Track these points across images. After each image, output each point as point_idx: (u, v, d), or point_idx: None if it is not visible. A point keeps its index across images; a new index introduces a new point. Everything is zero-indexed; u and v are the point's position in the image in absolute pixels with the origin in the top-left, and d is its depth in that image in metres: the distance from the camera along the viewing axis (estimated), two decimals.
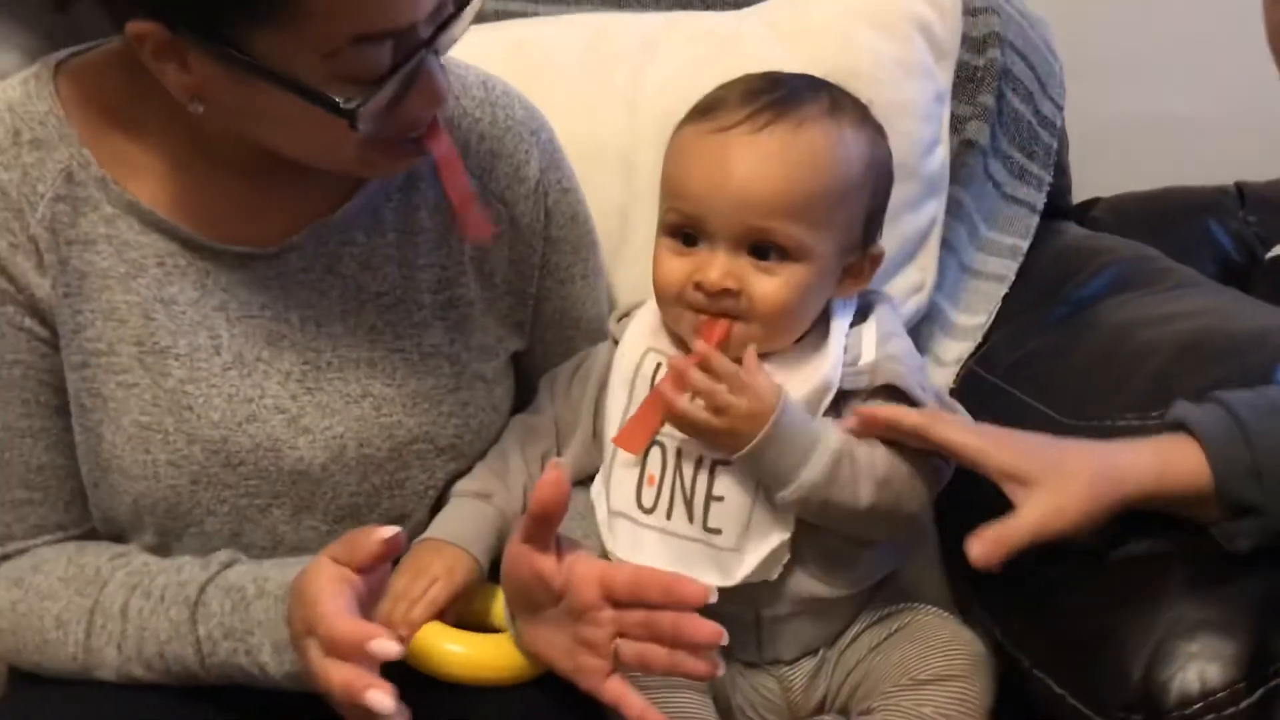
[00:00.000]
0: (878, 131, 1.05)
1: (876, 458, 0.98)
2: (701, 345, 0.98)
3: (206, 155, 0.98)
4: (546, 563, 0.91)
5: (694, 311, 1.01)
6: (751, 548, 1.00)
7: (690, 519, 1.01)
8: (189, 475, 1.00)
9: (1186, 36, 1.74)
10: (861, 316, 1.06)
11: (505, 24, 1.39)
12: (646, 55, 1.35)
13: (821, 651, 1.07)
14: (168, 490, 1.00)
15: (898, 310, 1.15)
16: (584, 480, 1.09)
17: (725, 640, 0.86)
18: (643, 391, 1.03)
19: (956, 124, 1.41)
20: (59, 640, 0.98)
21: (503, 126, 1.08)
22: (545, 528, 0.91)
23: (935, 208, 1.39)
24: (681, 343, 1.04)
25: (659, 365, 1.04)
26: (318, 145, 0.92)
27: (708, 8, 1.43)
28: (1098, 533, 0.98)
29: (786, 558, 1.01)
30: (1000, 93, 1.43)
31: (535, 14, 1.42)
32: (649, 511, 1.02)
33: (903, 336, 1.07)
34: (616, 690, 0.90)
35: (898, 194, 1.10)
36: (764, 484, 0.99)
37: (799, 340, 1.04)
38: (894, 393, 1.01)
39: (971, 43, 1.41)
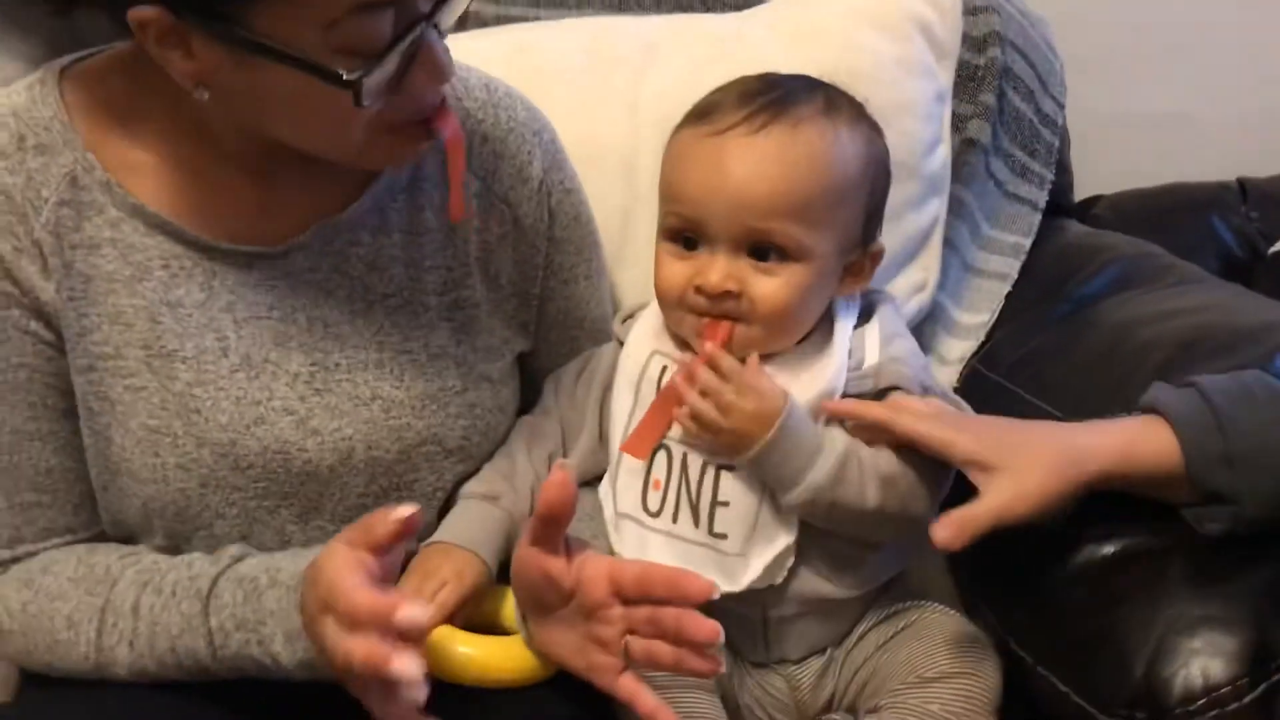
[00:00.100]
0: (874, 129, 1.05)
1: (882, 459, 0.98)
2: (710, 346, 0.98)
3: (211, 155, 0.98)
4: (556, 563, 0.92)
5: (696, 314, 1.01)
6: (756, 553, 1.01)
7: (696, 523, 1.01)
8: (198, 478, 1.00)
9: (1187, 34, 1.75)
10: (864, 317, 1.06)
11: (506, 28, 1.39)
12: (647, 58, 1.35)
13: (829, 650, 1.07)
14: (177, 493, 1.00)
15: (900, 310, 1.15)
16: (591, 481, 1.10)
17: (723, 638, 0.86)
18: (648, 393, 1.04)
19: (958, 123, 1.41)
20: (70, 640, 0.98)
21: (505, 128, 1.08)
22: (553, 529, 0.91)
23: (937, 207, 1.39)
24: (686, 345, 1.04)
25: (664, 368, 1.04)
26: (324, 128, 0.92)
27: (708, 10, 1.43)
28: (1098, 528, 0.99)
29: (791, 562, 1.01)
30: (1001, 91, 1.43)
31: (536, 18, 1.42)
32: (655, 515, 1.02)
33: (906, 336, 1.07)
34: (629, 687, 0.91)
35: (899, 193, 1.10)
36: (771, 487, 0.99)
37: (802, 341, 1.04)
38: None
39: (972, 42, 1.41)
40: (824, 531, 1.01)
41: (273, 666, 0.95)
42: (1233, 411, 0.94)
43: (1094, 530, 1.02)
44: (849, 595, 1.04)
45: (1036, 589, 1.04)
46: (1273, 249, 1.63)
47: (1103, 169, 1.66)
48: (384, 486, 1.05)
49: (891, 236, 1.14)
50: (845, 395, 1.01)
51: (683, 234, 1.01)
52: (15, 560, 1.02)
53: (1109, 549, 1.01)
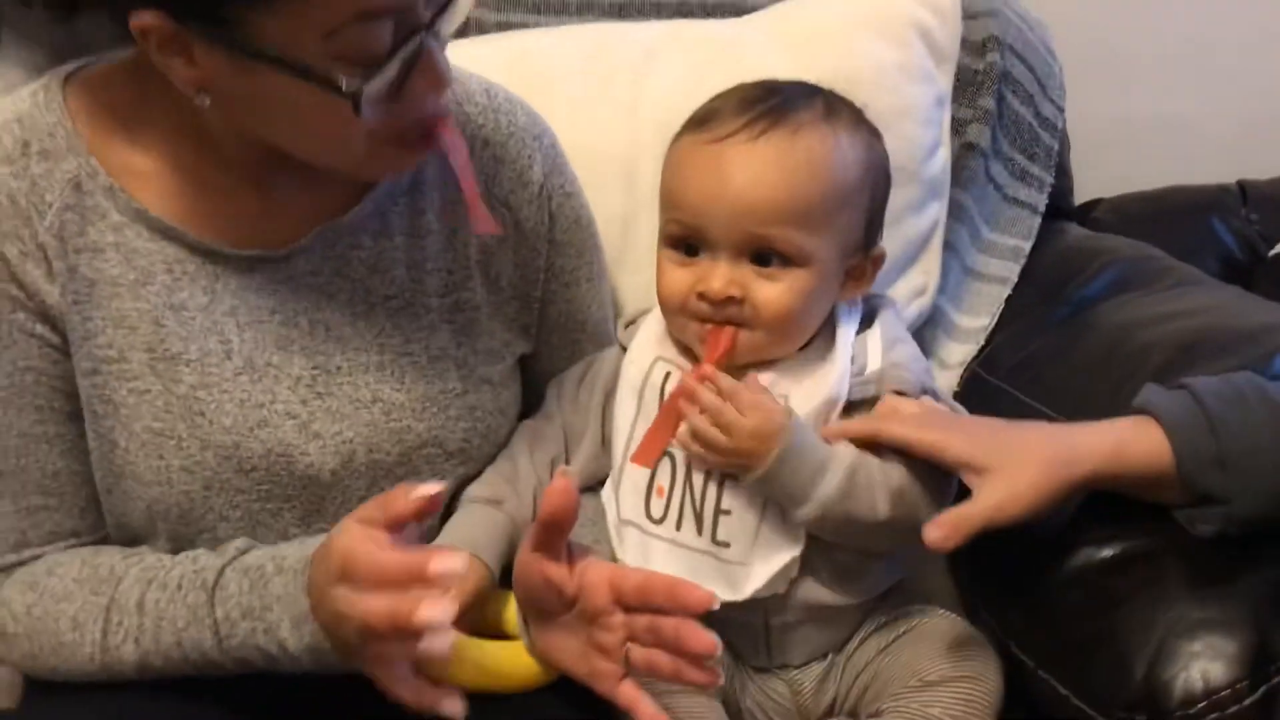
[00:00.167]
0: (873, 134, 1.05)
1: (890, 470, 0.98)
2: (707, 367, 0.98)
3: (213, 161, 0.99)
4: (558, 569, 0.92)
5: (699, 321, 1.01)
6: (759, 562, 1.00)
7: (699, 531, 1.01)
8: (202, 481, 1.00)
9: (1187, 37, 1.75)
10: (866, 322, 1.06)
11: (507, 35, 1.39)
12: (647, 64, 1.35)
13: (830, 655, 1.07)
14: (181, 496, 1.00)
15: (900, 314, 1.15)
16: (594, 486, 1.10)
17: (720, 651, 0.87)
18: (651, 400, 1.04)
19: (957, 127, 1.41)
20: (75, 642, 0.98)
21: (505, 133, 1.09)
22: (556, 535, 0.91)
23: (937, 210, 1.39)
24: (689, 351, 1.04)
25: (668, 374, 1.04)
26: (324, 137, 0.93)
27: (708, 16, 1.43)
28: (1097, 531, 1.00)
29: (795, 574, 1.01)
30: (1001, 95, 1.43)
31: (537, 25, 1.42)
32: (658, 522, 1.02)
33: (908, 341, 1.07)
34: (629, 695, 0.91)
35: (899, 197, 1.10)
36: (781, 504, 0.99)
37: (804, 348, 1.04)
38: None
39: (971, 46, 1.41)
40: (827, 542, 1.01)
41: (279, 655, 0.94)
42: (1224, 413, 0.95)
43: (1093, 533, 1.02)
44: (852, 603, 1.04)
45: (1036, 592, 1.04)
46: (1273, 251, 1.63)
47: (1103, 172, 1.66)
48: (385, 489, 1.04)
49: (891, 240, 1.15)
50: (849, 402, 1.01)
51: (684, 241, 1.01)
52: (20, 564, 1.02)
53: (1108, 552, 1.01)
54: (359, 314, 1.04)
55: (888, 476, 0.98)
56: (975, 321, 1.42)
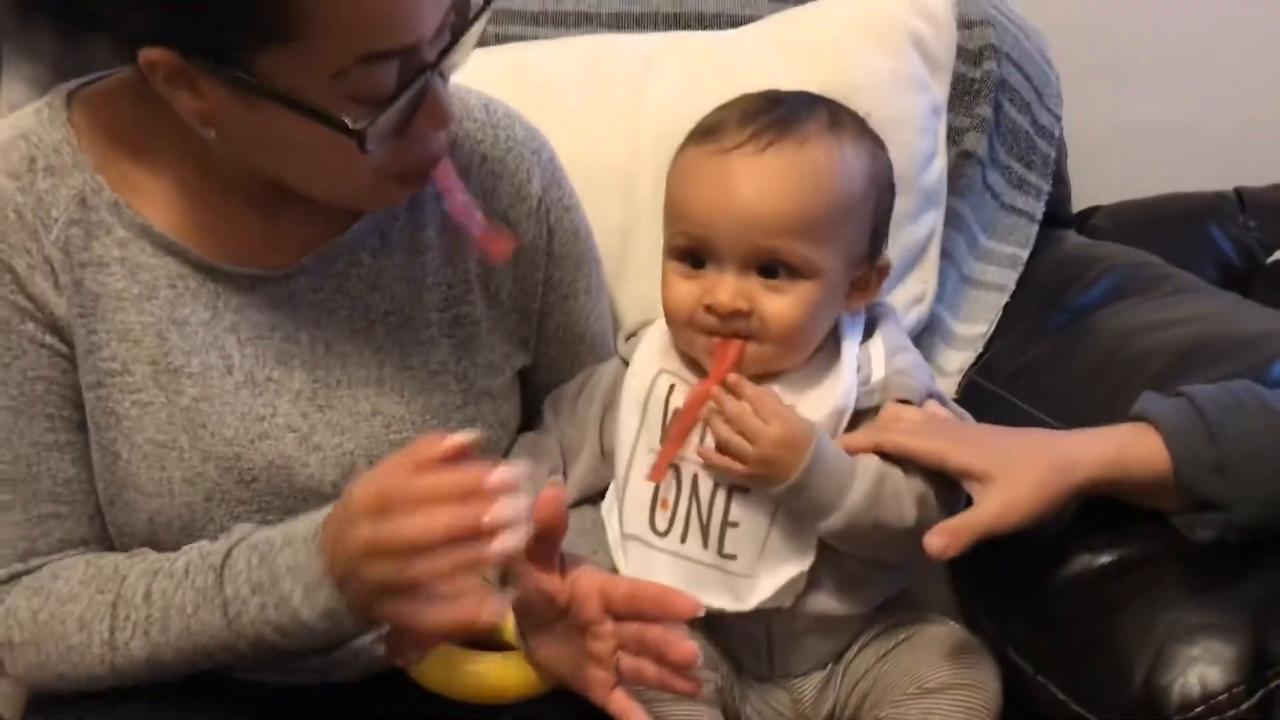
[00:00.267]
0: (877, 144, 1.05)
1: (912, 477, 0.99)
2: (733, 376, 0.98)
3: (215, 182, 1.00)
4: (551, 579, 0.92)
5: (706, 334, 1.00)
6: (766, 574, 1.00)
7: (705, 544, 1.01)
8: (203, 492, 1.01)
9: (1184, 43, 1.75)
10: (867, 332, 1.06)
11: (505, 47, 1.40)
12: (645, 75, 1.36)
13: (830, 664, 1.07)
14: (182, 507, 1.01)
15: (900, 322, 1.16)
16: (592, 497, 1.10)
17: (699, 662, 0.87)
18: (655, 413, 1.03)
19: (954, 135, 1.42)
20: (83, 643, 0.97)
21: (504, 147, 1.09)
22: (547, 545, 0.91)
23: (934, 219, 1.40)
24: (693, 364, 1.04)
25: (672, 386, 1.04)
26: (329, 173, 0.93)
27: (705, 27, 1.43)
28: (1095, 537, 1.00)
29: (802, 587, 1.01)
30: (997, 104, 1.43)
31: (535, 37, 1.43)
32: (663, 535, 1.02)
33: (910, 349, 1.07)
34: (621, 704, 0.91)
35: (896, 206, 1.10)
36: (805, 516, 0.98)
37: (809, 359, 1.04)
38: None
39: (968, 55, 1.41)
40: (837, 553, 1.00)
41: (292, 627, 0.92)
42: (1223, 420, 0.95)
43: (1091, 539, 1.02)
44: (856, 613, 1.05)
45: (1035, 598, 1.04)
46: (1271, 258, 1.63)
47: (1101, 179, 1.67)
48: None
49: (889, 249, 1.15)
50: (855, 410, 1.02)
51: (690, 253, 1.01)
52: (28, 573, 1.01)
53: (1106, 558, 1.01)
54: (359, 330, 1.05)
55: (911, 483, 0.98)
56: (973, 329, 1.43)
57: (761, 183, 0.98)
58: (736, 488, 1.00)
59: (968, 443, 0.99)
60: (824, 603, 1.03)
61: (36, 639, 0.98)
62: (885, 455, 0.99)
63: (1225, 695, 0.91)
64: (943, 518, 0.98)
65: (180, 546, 1.02)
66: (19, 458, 0.99)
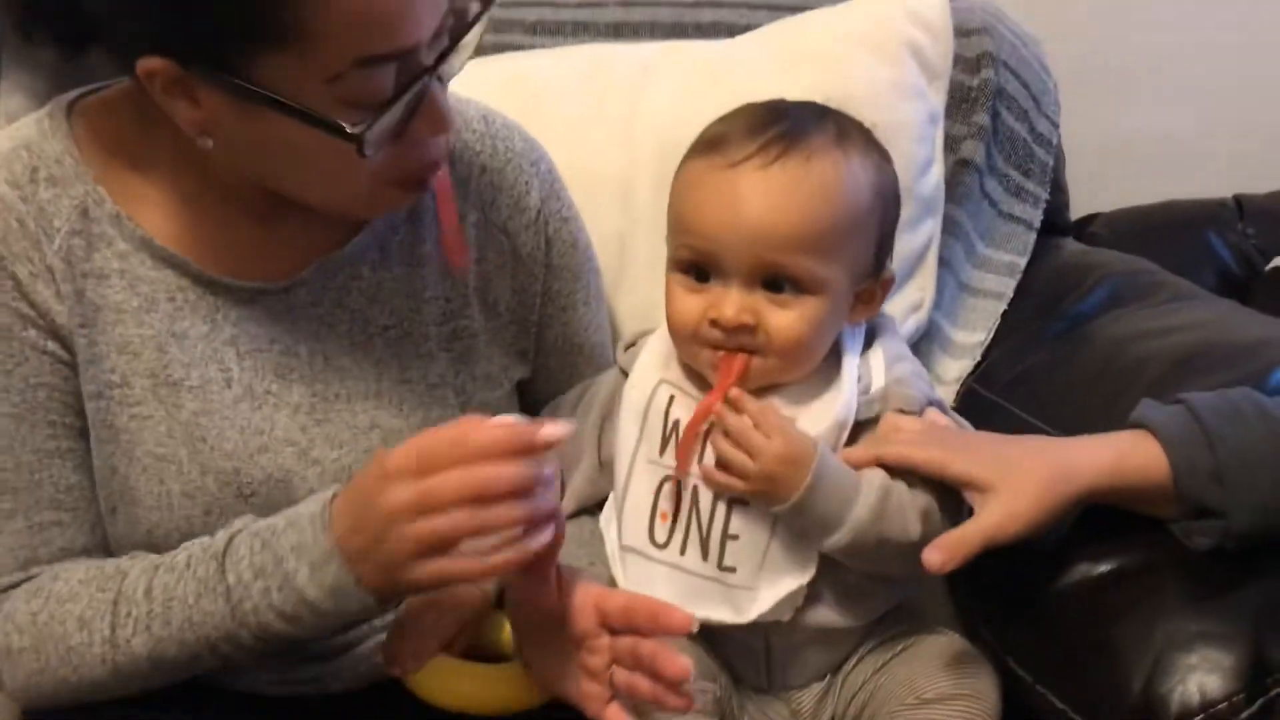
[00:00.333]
0: (883, 156, 1.04)
1: (916, 490, 0.98)
2: (735, 390, 0.98)
3: (215, 193, 1.00)
4: (547, 593, 0.93)
5: (711, 348, 1.00)
6: (766, 587, 1.00)
7: (705, 557, 1.01)
8: (202, 506, 1.01)
9: (1182, 51, 1.75)
10: (867, 341, 1.06)
11: (503, 56, 1.40)
12: (643, 84, 1.36)
13: (828, 675, 1.07)
14: (181, 520, 1.00)
15: (899, 331, 1.15)
16: (590, 508, 1.10)
17: (691, 677, 0.87)
18: (655, 424, 1.03)
19: (952, 143, 1.42)
20: (84, 643, 0.95)
21: (503, 159, 1.10)
22: (542, 559, 0.91)
23: (932, 227, 1.40)
24: (694, 375, 1.03)
25: (672, 398, 1.03)
26: (328, 180, 0.93)
27: (702, 36, 1.44)
28: (1093, 545, 1.00)
29: (802, 600, 1.00)
30: (995, 112, 1.44)
31: (532, 46, 1.43)
32: (661, 547, 1.02)
33: (909, 359, 1.07)
34: (616, 718, 0.92)
35: None
36: (809, 533, 0.98)
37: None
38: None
39: (965, 63, 1.42)
40: (838, 566, 1.00)
41: (297, 611, 0.91)
42: (1221, 428, 0.95)
43: (1090, 548, 1.02)
44: (855, 625, 1.04)
45: (1034, 607, 1.04)
46: (1270, 265, 1.63)
47: (1099, 187, 1.67)
48: None
49: None
50: (855, 421, 1.01)
51: (695, 266, 1.00)
52: (28, 581, 1.00)
53: (1105, 566, 1.01)
54: (357, 344, 1.05)
55: (915, 496, 0.98)
56: (971, 337, 1.43)
57: (769, 198, 0.97)
58: (737, 500, 1.00)
59: (968, 452, 0.99)
60: (824, 615, 1.02)
61: (37, 643, 0.97)
62: (888, 468, 0.99)
63: (1224, 704, 0.91)
64: (947, 530, 0.97)
65: None
66: (21, 465, 0.99)
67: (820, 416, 1.00)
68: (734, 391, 0.98)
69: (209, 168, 0.98)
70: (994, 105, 1.43)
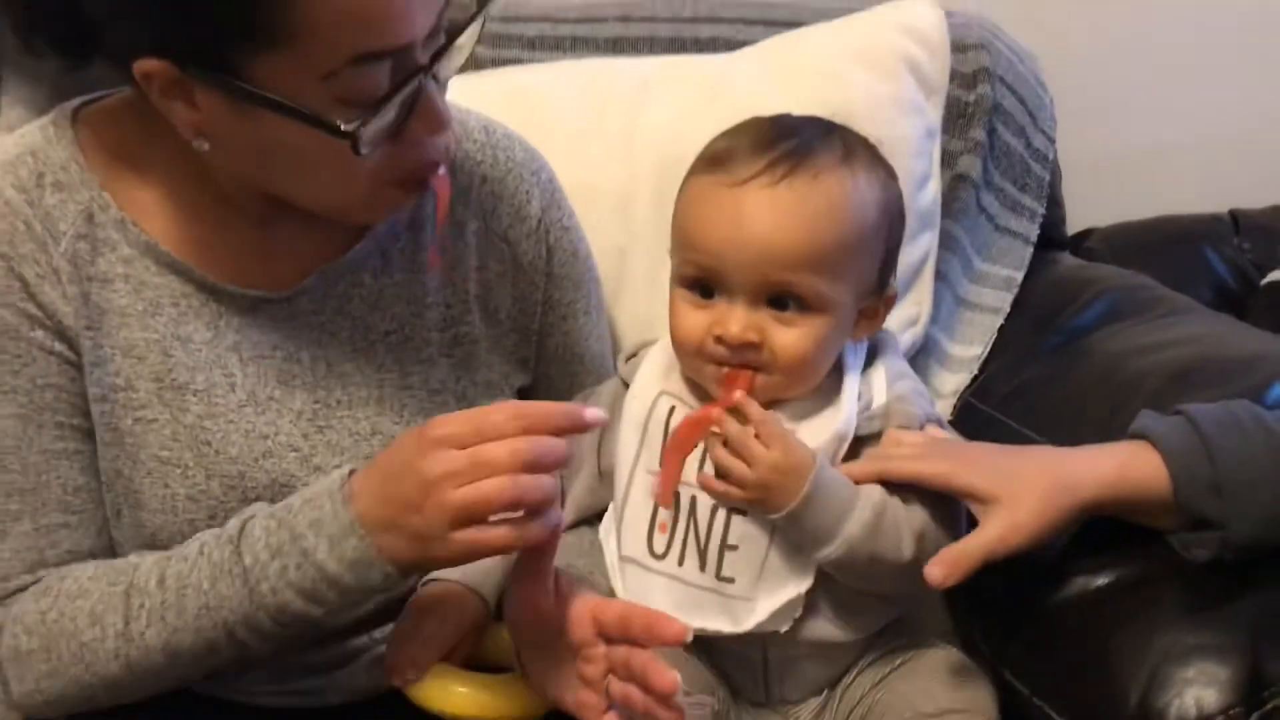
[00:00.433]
0: (889, 173, 1.04)
1: (912, 510, 0.98)
2: (739, 395, 0.98)
3: (217, 199, 1.00)
4: (545, 601, 0.93)
5: (715, 364, 1.00)
6: (764, 597, 1.00)
7: (702, 567, 1.00)
8: (206, 510, 1.01)
9: (1178, 67, 1.75)
10: (870, 358, 1.06)
11: (502, 71, 1.41)
12: (642, 99, 1.37)
13: (826, 690, 1.06)
14: (185, 525, 1.00)
15: (900, 348, 1.16)
16: (590, 518, 1.10)
17: (679, 692, 0.87)
18: (655, 435, 1.03)
19: (949, 158, 1.42)
20: (97, 639, 0.94)
21: (504, 169, 1.10)
22: (539, 562, 0.92)
23: (929, 241, 1.41)
24: (695, 386, 1.03)
25: (672, 408, 1.03)
26: (326, 181, 0.94)
27: (701, 51, 1.44)
28: (1090, 558, 1.00)
29: (800, 611, 1.00)
30: (991, 127, 1.44)
31: (532, 61, 1.44)
32: (660, 558, 1.02)
33: (911, 377, 1.07)
34: None
35: None
36: (803, 544, 0.98)
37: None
38: None
39: (962, 79, 1.42)
40: (835, 579, 1.00)
41: (316, 587, 0.90)
42: (1221, 439, 0.95)
43: (1087, 560, 1.03)
44: (852, 639, 1.04)
45: (1031, 620, 1.04)
46: (1265, 280, 1.64)
47: (1095, 202, 1.68)
48: None
49: None
50: (856, 436, 1.01)
51: (700, 282, 1.00)
52: (35, 584, 0.99)
53: (1102, 579, 1.02)
54: (359, 350, 1.05)
55: (911, 518, 0.98)
56: (968, 351, 1.43)
57: (775, 217, 0.97)
58: (735, 510, 1.00)
59: (971, 464, 0.99)
60: (821, 629, 1.02)
61: (47, 643, 0.95)
62: (888, 486, 0.99)
63: (1221, 717, 0.91)
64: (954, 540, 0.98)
65: None
66: (28, 466, 0.98)
67: (820, 430, 1.00)
68: (739, 394, 0.98)
69: (210, 174, 0.99)
70: (991, 120, 1.44)
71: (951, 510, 1.01)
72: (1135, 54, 1.75)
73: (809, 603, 1.01)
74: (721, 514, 1.00)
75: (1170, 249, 1.66)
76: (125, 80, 0.91)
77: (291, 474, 1.02)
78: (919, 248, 1.39)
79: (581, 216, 1.17)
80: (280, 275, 1.03)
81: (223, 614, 0.92)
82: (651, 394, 1.05)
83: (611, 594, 1.04)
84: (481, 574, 1.03)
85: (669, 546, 1.02)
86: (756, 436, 0.97)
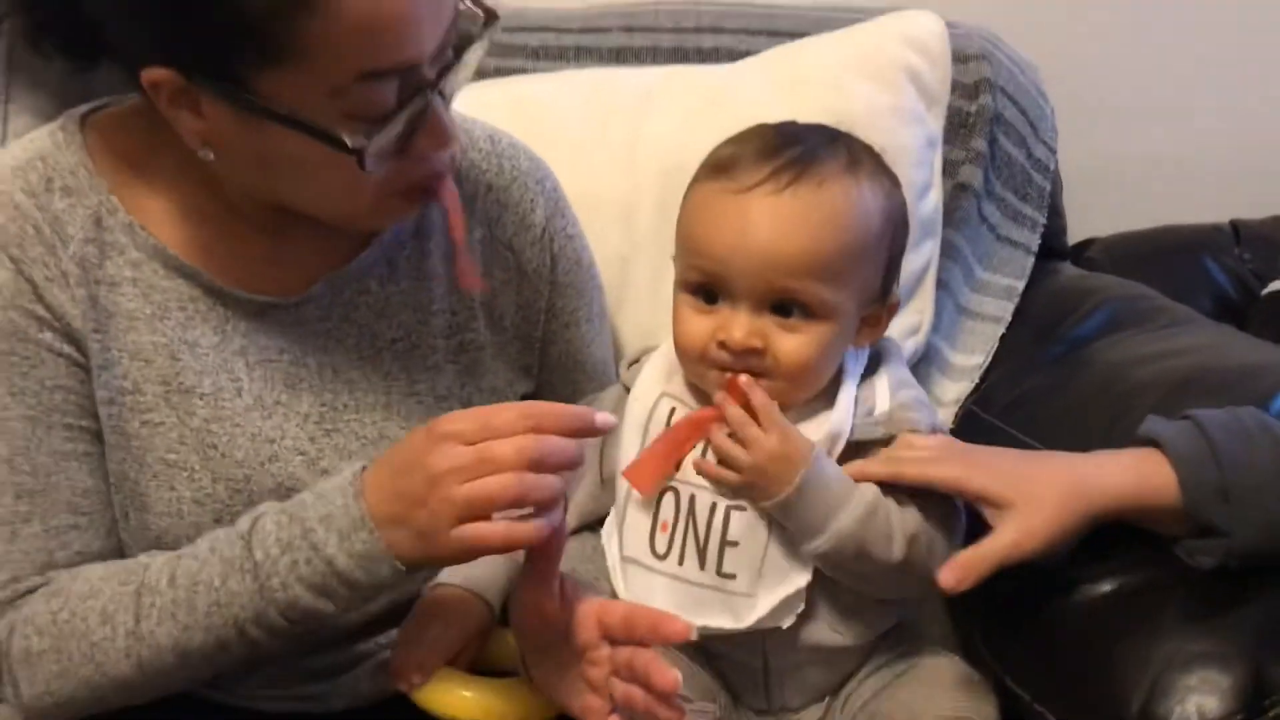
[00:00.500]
0: (893, 181, 1.04)
1: (906, 514, 0.99)
2: (745, 379, 0.98)
3: (223, 207, 1.01)
4: (550, 605, 0.93)
5: (718, 369, 1.00)
6: (765, 592, 1.00)
7: (703, 565, 1.01)
8: (212, 513, 1.01)
9: (1179, 77, 1.75)
10: (873, 367, 1.06)
11: (506, 80, 1.42)
12: (645, 109, 1.37)
13: (827, 698, 1.07)
14: (190, 528, 1.00)
15: (904, 357, 1.16)
16: (593, 524, 1.10)
17: (680, 689, 0.87)
18: (657, 435, 1.03)
19: (950, 168, 1.43)
20: (108, 638, 0.94)
21: (509, 177, 1.11)
22: (544, 565, 0.92)
23: (930, 250, 1.41)
24: (696, 389, 1.04)
25: (673, 410, 1.04)
26: (330, 193, 0.94)
27: (704, 61, 1.45)
28: (1093, 564, 1.00)
29: (802, 606, 1.00)
30: (993, 137, 1.45)
31: (536, 70, 1.44)
32: (662, 558, 1.02)
33: (914, 385, 1.07)
34: None
35: None
36: (794, 534, 0.99)
37: None
38: None
39: (963, 89, 1.43)
40: (835, 582, 1.00)
41: (326, 582, 0.90)
42: (1229, 445, 0.95)
43: (1090, 566, 1.02)
44: (854, 644, 1.04)
45: (1033, 626, 1.04)
46: (1266, 290, 1.64)
47: (1096, 212, 1.68)
48: None
49: None
50: (857, 441, 1.02)
51: (704, 288, 1.00)
52: (45, 586, 0.99)
53: (1104, 586, 1.02)
54: (366, 356, 1.06)
55: (904, 520, 0.98)
56: (970, 359, 1.43)
57: (780, 224, 0.97)
58: (735, 507, 1.00)
59: (985, 468, 0.99)
60: (821, 633, 1.03)
61: (58, 644, 0.95)
62: (890, 488, 0.99)
63: None
64: (938, 558, 0.98)
65: None
66: (38, 468, 0.98)
67: (814, 429, 1.01)
68: (744, 378, 0.98)
69: (216, 181, 0.99)
70: (992, 131, 1.44)
71: (950, 518, 1.01)
72: (1136, 65, 1.75)
73: (808, 607, 1.01)
74: (720, 511, 1.01)
75: (1171, 259, 1.66)
76: (135, 87, 0.92)
77: (297, 478, 1.02)
78: (920, 257, 1.39)
79: (584, 225, 1.18)
80: (287, 282, 1.03)
81: (233, 610, 0.92)
82: (653, 396, 1.05)
83: (614, 598, 1.04)
84: (487, 578, 1.03)
85: (670, 546, 1.02)
86: (757, 422, 0.97)
